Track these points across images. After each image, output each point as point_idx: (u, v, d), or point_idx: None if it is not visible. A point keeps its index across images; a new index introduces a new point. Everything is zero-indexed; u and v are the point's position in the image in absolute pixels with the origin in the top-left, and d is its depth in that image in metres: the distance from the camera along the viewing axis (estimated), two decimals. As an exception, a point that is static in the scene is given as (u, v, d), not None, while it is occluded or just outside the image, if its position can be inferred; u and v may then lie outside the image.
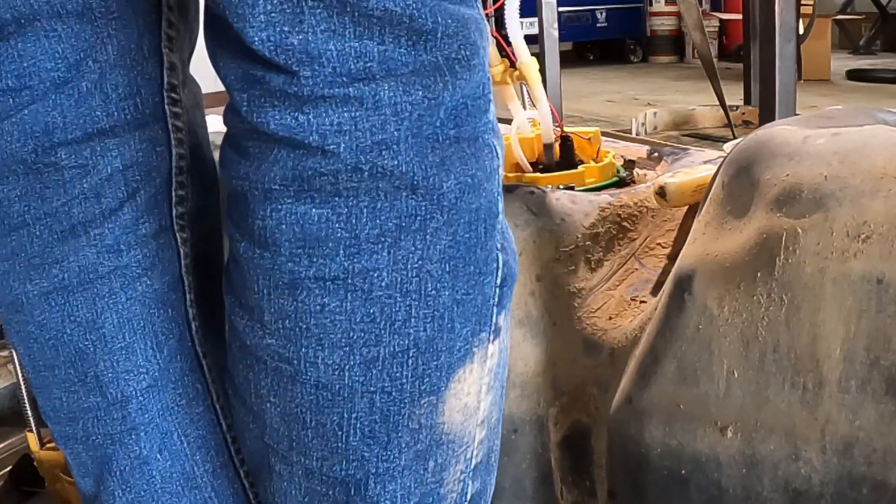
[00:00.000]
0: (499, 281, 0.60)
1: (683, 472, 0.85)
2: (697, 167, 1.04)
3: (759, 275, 0.77)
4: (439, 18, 0.53)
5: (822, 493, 0.77)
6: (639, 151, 1.18)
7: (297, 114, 0.53)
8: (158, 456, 0.68)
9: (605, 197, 1.03)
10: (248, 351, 0.60)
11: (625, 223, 1.02)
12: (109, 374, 0.66)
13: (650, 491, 0.88)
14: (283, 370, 0.58)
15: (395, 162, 0.54)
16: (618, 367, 0.91)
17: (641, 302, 0.96)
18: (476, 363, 0.60)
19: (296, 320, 0.56)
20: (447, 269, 0.57)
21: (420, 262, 0.56)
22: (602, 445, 0.94)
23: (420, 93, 0.54)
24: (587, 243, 0.99)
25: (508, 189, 1.03)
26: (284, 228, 0.55)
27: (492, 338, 0.61)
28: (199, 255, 0.68)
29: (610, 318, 0.96)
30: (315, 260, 0.55)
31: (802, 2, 4.76)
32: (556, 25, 3.32)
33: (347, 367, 0.56)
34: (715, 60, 3.39)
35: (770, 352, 0.77)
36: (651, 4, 7.96)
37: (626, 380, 0.89)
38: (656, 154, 1.21)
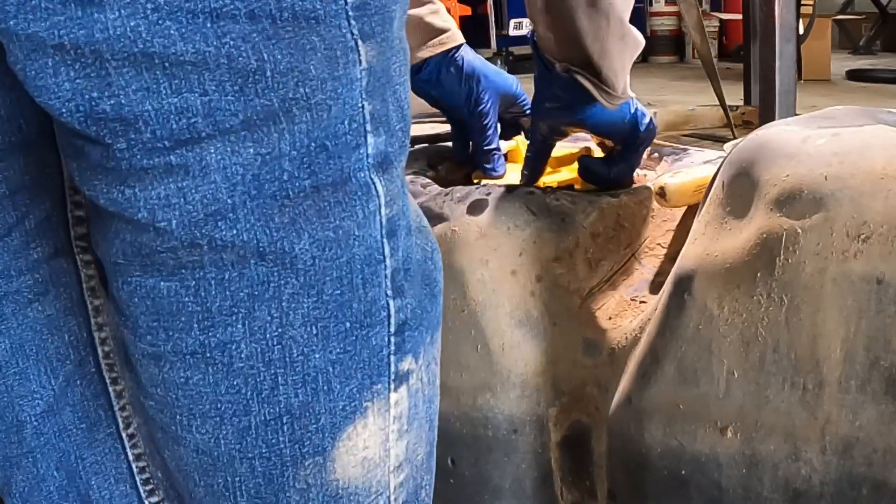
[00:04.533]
0: (392, 329, 0.57)
1: (683, 472, 0.85)
2: (697, 167, 1.04)
3: (759, 275, 0.77)
4: (265, 54, 0.48)
5: (822, 494, 0.77)
6: (639, 151, 1.18)
7: (122, 188, 0.49)
8: (55, 473, 0.66)
9: (605, 197, 1.02)
10: (140, 404, 0.59)
11: (625, 223, 1.02)
12: (5, 399, 0.64)
13: (650, 491, 0.88)
14: (167, 431, 0.57)
15: (234, 232, 0.50)
16: (618, 368, 0.91)
17: (641, 302, 0.96)
18: (372, 416, 0.57)
19: (165, 390, 0.55)
20: (314, 332, 0.54)
21: (280, 330, 0.53)
22: (602, 446, 0.94)
23: (251, 149, 0.49)
24: (587, 243, 0.99)
25: (509, 190, 1.03)
26: (137, 301, 0.53)
27: (393, 386, 0.58)
28: None
29: (610, 319, 0.96)
30: (171, 334, 0.53)
31: (802, 2, 4.76)
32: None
33: (221, 436, 0.55)
34: (715, 60, 3.39)
35: (770, 352, 0.77)
36: (651, 4, 7.96)
37: (626, 380, 0.89)
38: (656, 154, 1.21)
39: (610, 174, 1.06)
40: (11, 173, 0.60)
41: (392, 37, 0.54)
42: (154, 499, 0.68)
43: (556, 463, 0.99)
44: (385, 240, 0.55)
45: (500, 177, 1.17)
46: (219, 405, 0.54)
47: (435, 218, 0.99)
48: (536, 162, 1.10)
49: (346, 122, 0.52)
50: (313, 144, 0.50)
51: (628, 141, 1.04)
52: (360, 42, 0.51)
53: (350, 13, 0.50)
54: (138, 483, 0.68)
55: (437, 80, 1.14)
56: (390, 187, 0.55)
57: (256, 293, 0.52)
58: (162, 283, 0.52)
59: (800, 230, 0.74)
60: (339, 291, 0.54)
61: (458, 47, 1.14)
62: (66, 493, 0.67)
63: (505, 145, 1.20)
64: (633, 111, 1.03)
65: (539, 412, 0.98)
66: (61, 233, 0.63)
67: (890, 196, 0.72)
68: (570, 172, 1.17)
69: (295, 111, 0.49)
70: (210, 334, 0.53)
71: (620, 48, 0.95)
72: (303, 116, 0.50)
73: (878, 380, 0.73)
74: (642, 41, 0.98)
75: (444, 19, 1.14)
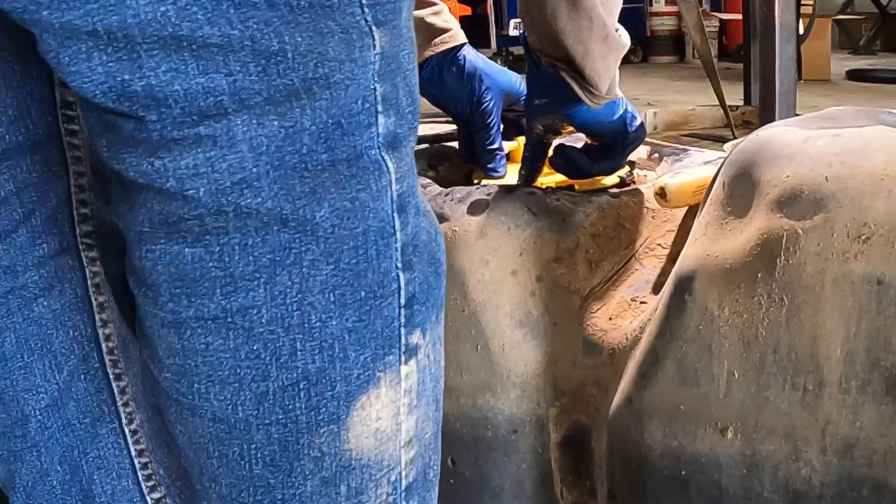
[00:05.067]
0: (403, 301, 0.59)
1: (683, 472, 0.85)
2: (698, 168, 1.04)
3: (759, 275, 0.77)
4: (286, 37, 0.50)
5: (822, 494, 0.77)
6: (639, 152, 1.18)
7: (152, 159, 0.51)
8: (59, 468, 0.67)
9: (605, 197, 1.02)
10: (154, 379, 0.60)
11: (625, 224, 1.02)
12: (10, 393, 0.65)
13: (650, 492, 0.88)
14: (183, 402, 0.58)
15: (259, 199, 0.52)
16: (618, 368, 0.91)
17: (642, 302, 0.96)
18: (385, 387, 0.59)
19: (184, 358, 0.56)
20: (332, 299, 0.56)
21: (300, 296, 0.55)
22: (602, 446, 0.94)
23: (275, 122, 0.52)
24: (588, 244, 0.99)
25: (509, 190, 1.03)
26: (161, 269, 0.54)
27: (404, 359, 0.60)
28: (122, 271, 0.66)
29: (610, 319, 0.96)
30: (193, 300, 0.54)
31: (802, 2, 4.76)
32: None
33: (239, 402, 0.57)
34: (715, 60, 3.39)
35: (770, 352, 0.77)
36: (651, 4, 7.95)
37: (627, 380, 0.89)
38: (656, 154, 1.21)
39: (592, 169, 1.06)
40: (19, 171, 0.61)
41: (401, 25, 0.56)
42: (156, 495, 0.68)
43: (557, 463, 0.99)
44: (396, 214, 0.57)
45: (502, 177, 1.17)
46: (238, 370, 0.56)
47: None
48: (533, 162, 1.10)
49: (359, 102, 0.54)
50: (330, 121, 0.53)
51: (616, 140, 1.04)
52: (373, 28, 0.53)
53: (363, 2, 0.53)
54: (140, 479, 0.68)
55: (439, 80, 1.14)
56: (400, 165, 0.57)
57: (278, 259, 0.54)
58: (187, 250, 0.53)
59: (800, 231, 0.74)
60: (355, 260, 0.56)
61: (460, 47, 1.14)
62: (68, 488, 0.67)
63: (507, 146, 1.20)
64: (622, 111, 1.03)
65: (539, 412, 0.98)
66: (67, 230, 0.64)
67: (891, 197, 0.72)
68: None
69: (315, 89, 0.52)
70: (232, 299, 0.54)
71: (603, 50, 0.95)
72: (323, 94, 0.52)
73: (879, 380, 0.73)
74: (627, 42, 0.98)
75: (446, 20, 1.14)
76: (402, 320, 0.59)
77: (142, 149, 0.51)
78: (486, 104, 1.14)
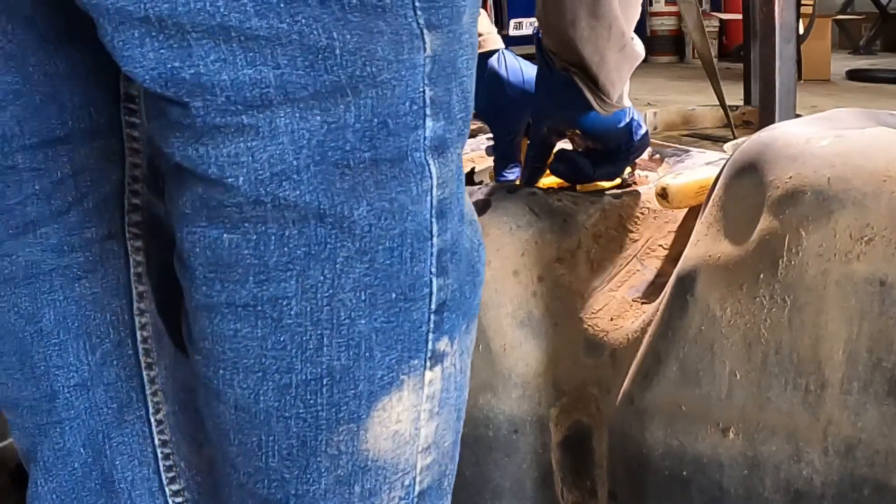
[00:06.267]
0: (433, 307, 0.58)
1: (685, 472, 0.85)
2: (699, 168, 1.04)
3: (761, 276, 0.77)
4: (335, 34, 0.51)
5: (823, 495, 0.77)
6: (640, 152, 1.18)
7: (196, 145, 0.52)
8: (82, 450, 0.68)
9: (607, 198, 1.03)
10: (183, 373, 0.62)
11: (627, 224, 1.02)
12: (42, 367, 0.67)
13: (651, 492, 0.88)
14: (209, 386, 0.58)
15: (298, 192, 0.52)
16: (619, 368, 0.91)
17: (643, 303, 0.96)
18: (407, 391, 0.59)
19: (213, 342, 0.57)
20: (363, 298, 0.55)
21: (331, 291, 0.55)
22: (603, 446, 0.94)
23: (318, 117, 0.52)
24: (589, 244, 0.99)
25: (511, 190, 1.03)
26: (198, 252, 0.55)
27: (429, 365, 0.59)
28: (164, 265, 0.67)
29: (611, 319, 0.96)
30: (226, 285, 0.55)
31: (802, 2, 4.76)
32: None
33: (262, 392, 0.57)
34: (715, 60, 3.39)
35: (772, 353, 0.77)
36: (651, 4, 7.95)
37: (628, 380, 0.89)
38: (658, 155, 1.21)
39: (594, 174, 1.05)
40: (76, 155, 0.64)
41: (461, 30, 0.56)
42: (175, 486, 0.69)
43: (557, 463, 0.99)
44: (434, 219, 0.57)
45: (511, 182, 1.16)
46: (263, 360, 0.56)
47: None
48: (536, 162, 1.09)
49: (407, 104, 0.54)
50: (376, 120, 0.53)
51: (621, 147, 1.04)
52: (425, 31, 0.53)
53: (416, 4, 0.53)
54: (161, 469, 0.69)
55: None
56: (444, 170, 0.57)
57: (313, 252, 0.54)
58: (225, 235, 0.54)
59: (803, 232, 0.74)
60: (389, 261, 0.55)
61: (490, 54, 1.12)
62: (89, 471, 0.68)
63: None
64: (629, 119, 1.03)
65: (540, 412, 0.98)
66: (117, 217, 0.66)
67: (893, 198, 0.72)
68: None
69: (361, 87, 0.52)
70: (264, 288, 0.54)
71: (619, 59, 0.95)
72: (369, 93, 0.52)
73: (881, 381, 0.73)
74: (642, 53, 0.97)
75: (480, 24, 1.12)
76: (431, 325, 0.59)
77: (187, 134, 0.52)
78: (503, 114, 1.12)
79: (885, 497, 0.74)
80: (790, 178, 0.76)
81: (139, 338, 0.68)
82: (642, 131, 1.04)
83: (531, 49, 1.05)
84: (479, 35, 1.11)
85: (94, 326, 0.67)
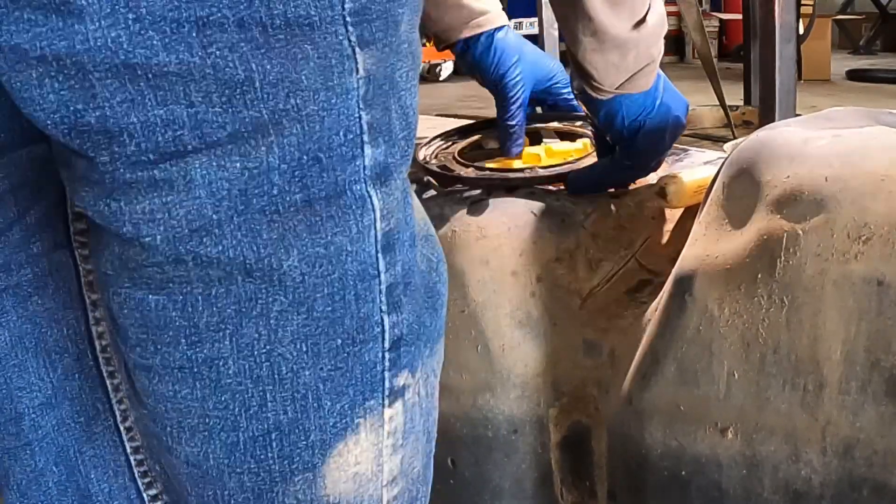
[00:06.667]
0: (387, 345, 0.56)
1: (683, 473, 0.85)
2: (698, 168, 1.04)
3: (759, 276, 0.77)
4: (253, 65, 0.46)
5: (822, 495, 0.77)
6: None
7: (108, 200, 0.48)
8: (54, 468, 0.66)
9: (605, 198, 1.02)
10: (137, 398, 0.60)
11: (625, 224, 1.02)
12: (4, 391, 0.64)
13: (650, 492, 0.88)
14: (160, 441, 0.57)
15: (220, 247, 0.49)
16: (618, 368, 0.91)
17: (642, 303, 0.96)
18: (365, 432, 0.57)
19: (156, 401, 0.55)
20: (304, 349, 0.53)
21: (268, 347, 0.52)
22: (602, 446, 0.94)
23: (238, 164, 0.48)
24: (587, 244, 0.99)
25: (509, 190, 1.03)
26: (126, 313, 0.53)
27: (388, 403, 0.57)
28: None
29: (610, 319, 0.96)
30: (159, 347, 0.53)
31: (802, 2, 4.76)
32: (556, 25, 3.33)
33: (210, 450, 0.55)
34: (715, 60, 3.39)
35: (770, 353, 0.77)
36: (651, 4, 7.94)
37: (627, 381, 0.89)
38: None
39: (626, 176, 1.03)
40: (14, 170, 0.59)
41: (398, 41, 0.52)
42: (152, 491, 0.68)
43: (557, 463, 0.99)
44: (380, 255, 0.54)
45: (514, 157, 1.16)
46: (207, 420, 0.54)
47: (435, 218, 0.99)
48: (600, 143, 1.06)
49: (341, 134, 0.50)
50: (305, 157, 0.49)
51: (646, 147, 0.98)
52: (357, 49, 0.49)
53: (348, 19, 0.48)
54: (136, 476, 0.68)
55: (473, 61, 1.14)
56: (388, 200, 0.53)
57: (244, 310, 0.51)
58: (150, 297, 0.51)
59: (800, 231, 0.74)
60: (330, 308, 0.53)
61: (496, 30, 1.13)
62: (64, 489, 0.67)
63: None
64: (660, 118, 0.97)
65: (539, 413, 0.98)
66: (61, 227, 0.63)
67: (891, 197, 0.72)
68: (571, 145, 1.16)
69: (285, 123, 0.48)
70: (197, 349, 0.52)
71: (595, 45, 0.91)
72: (293, 128, 0.48)
73: (879, 381, 0.73)
74: (647, 46, 0.93)
75: (485, 1, 1.13)
76: (387, 364, 0.56)
77: (97, 189, 0.49)
78: (511, 87, 1.13)
79: (883, 497, 0.74)
80: (788, 177, 0.76)
81: (98, 347, 0.65)
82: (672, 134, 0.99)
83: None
84: (485, 12, 1.11)
85: (52, 342, 0.64)
